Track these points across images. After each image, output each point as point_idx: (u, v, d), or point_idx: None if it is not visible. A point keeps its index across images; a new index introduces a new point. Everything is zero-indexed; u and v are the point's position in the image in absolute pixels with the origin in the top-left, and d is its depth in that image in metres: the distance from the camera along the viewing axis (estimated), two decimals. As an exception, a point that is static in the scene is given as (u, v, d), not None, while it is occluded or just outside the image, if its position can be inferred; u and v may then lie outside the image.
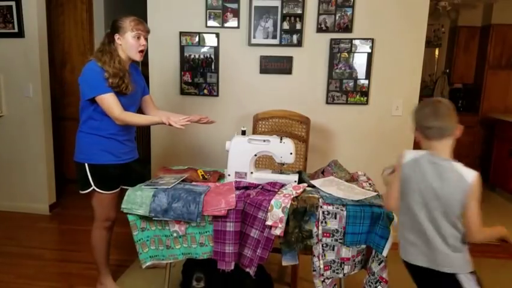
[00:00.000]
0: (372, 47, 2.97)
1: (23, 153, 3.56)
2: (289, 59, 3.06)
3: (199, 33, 3.10)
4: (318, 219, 1.79)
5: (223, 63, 3.14)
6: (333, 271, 1.81)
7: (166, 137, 3.29)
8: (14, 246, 3.01)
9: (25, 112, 3.49)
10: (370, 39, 2.96)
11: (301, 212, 1.80)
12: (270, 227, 1.80)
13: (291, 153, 2.05)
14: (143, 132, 4.45)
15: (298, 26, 2.99)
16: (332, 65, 3.02)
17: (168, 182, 2.02)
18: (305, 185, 2.00)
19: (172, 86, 3.22)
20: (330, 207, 1.79)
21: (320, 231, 1.79)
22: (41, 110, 3.47)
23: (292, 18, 2.99)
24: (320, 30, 2.99)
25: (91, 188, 2.15)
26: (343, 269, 1.81)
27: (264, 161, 2.75)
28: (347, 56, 3.00)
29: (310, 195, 1.88)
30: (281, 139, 2.06)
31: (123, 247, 2.84)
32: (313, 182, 2.04)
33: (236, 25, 3.06)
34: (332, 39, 2.99)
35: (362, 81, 3.02)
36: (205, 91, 3.19)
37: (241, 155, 2.08)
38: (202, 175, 2.16)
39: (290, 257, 1.96)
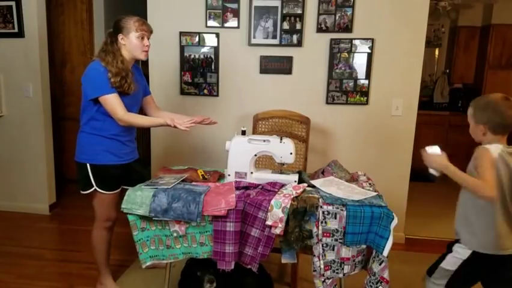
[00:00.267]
0: (372, 47, 2.96)
1: (23, 153, 3.56)
2: (289, 59, 3.06)
3: (199, 33, 3.10)
4: (318, 219, 1.79)
5: (223, 63, 3.14)
6: (333, 271, 1.81)
7: (166, 137, 3.29)
8: (14, 246, 3.01)
9: (25, 112, 3.49)
10: (370, 39, 2.96)
11: (301, 212, 1.80)
12: (270, 226, 1.81)
13: (291, 153, 2.05)
14: (143, 133, 4.45)
15: (298, 26, 2.99)
16: (332, 65, 3.02)
17: (168, 182, 2.02)
18: (305, 185, 2.00)
19: (172, 86, 3.22)
20: (330, 207, 1.79)
21: (320, 231, 1.79)
22: (41, 110, 3.48)
23: (292, 18, 2.99)
24: (319, 30, 2.99)
25: (93, 189, 2.15)
26: (343, 269, 1.81)
27: (264, 161, 2.75)
28: (347, 56, 3.00)
29: (310, 195, 1.88)
30: (281, 139, 2.06)
31: (123, 247, 2.84)
32: (313, 182, 2.04)
33: (236, 25, 3.06)
34: (332, 39, 2.98)
35: (362, 81, 3.02)
36: (205, 91, 3.19)
37: (241, 155, 2.08)
38: (202, 175, 2.16)
39: (289, 255, 1.97)
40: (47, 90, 3.53)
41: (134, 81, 2.14)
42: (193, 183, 2.06)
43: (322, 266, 1.80)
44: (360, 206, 1.79)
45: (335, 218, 1.78)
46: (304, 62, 3.06)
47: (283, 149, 2.05)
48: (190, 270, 2.18)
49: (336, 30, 2.98)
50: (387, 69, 2.99)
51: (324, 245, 1.80)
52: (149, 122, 2.25)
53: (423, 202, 4.00)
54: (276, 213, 1.79)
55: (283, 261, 1.97)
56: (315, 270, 1.82)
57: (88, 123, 2.14)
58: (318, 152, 3.13)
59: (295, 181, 2.06)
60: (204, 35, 3.10)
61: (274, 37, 3.03)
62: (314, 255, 1.82)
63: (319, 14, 2.97)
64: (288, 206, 1.79)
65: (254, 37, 3.05)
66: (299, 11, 2.97)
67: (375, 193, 1.94)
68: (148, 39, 2.15)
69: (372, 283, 1.79)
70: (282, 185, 2.00)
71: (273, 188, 1.97)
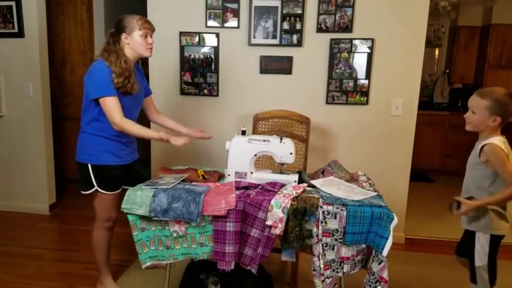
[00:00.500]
0: (372, 47, 2.97)
1: (23, 153, 3.56)
2: (289, 59, 3.06)
3: (199, 33, 3.10)
4: (318, 219, 1.79)
5: (223, 63, 3.14)
6: (333, 270, 1.81)
7: (166, 137, 3.28)
8: (14, 246, 3.01)
9: (25, 112, 3.49)
10: (370, 39, 2.96)
11: (301, 212, 1.80)
12: (270, 226, 1.81)
13: (291, 153, 2.05)
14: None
15: (298, 26, 2.99)
16: (332, 65, 3.02)
17: (168, 182, 2.02)
18: (305, 185, 2.00)
19: (172, 86, 3.22)
20: (330, 207, 1.79)
21: (320, 231, 1.79)
22: (41, 110, 3.48)
23: (292, 18, 2.99)
24: (320, 30, 2.99)
25: (94, 189, 2.15)
26: (343, 268, 1.82)
27: (264, 161, 2.75)
28: (347, 56, 3.00)
29: (310, 195, 1.88)
30: (281, 139, 2.06)
31: (123, 247, 2.84)
32: (313, 182, 2.05)
33: (236, 25, 3.06)
34: (332, 39, 2.99)
35: (362, 81, 3.02)
36: (205, 91, 3.19)
37: (241, 155, 2.08)
38: (202, 175, 2.16)
39: (289, 253, 1.98)
40: (47, 90, 3.53)
41: (136, 81, 2.14)
42: (193, 183, 2.06)
43: (322, 266, 1.80)
44: (360, 206, 1.79)
45: (335, 218, 1.78)
46: (304, 62, 3.06)
47: (283, 149, 2.05)
48: (192, 273, 2.17)
49: (336, 30, 2.98)
50: (387, 69, 2.99)
51: (324, 245, 1.80)
52: (143, 133, 2.14)
53: (423, 202, 4.00)
54: (276, 213, 1.79)
55: (283, 258, 1.98)
56: (314, 270, 1.82)
57: (90, 123, 2.14)
58: (318, 152, 3.13)
59: (295, 181, 2.06)
60: (204, 35, 3.10)
61: (274, 37, 3.03)
62: (314, 255, 1.82)
63: (319, 14, 2.97)
64: (288, 206, 1.79)
65: (254, 37, 3.05)
66: (299, 11, 2.97)
67: (375, 193, 1.94)
68: (151, 37, 2.16)
69: (371, 282, 1.79)
70: (282, 185, 2.01)
71: (273, 188, 1.97)
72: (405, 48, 2.95)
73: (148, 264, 1.96)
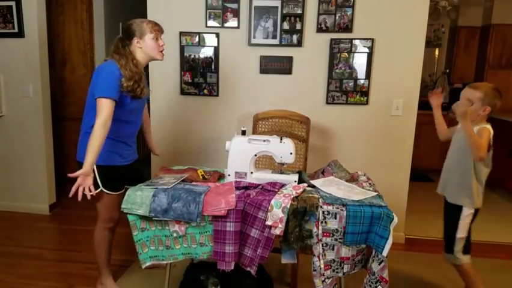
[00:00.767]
0: (372, 47, 2.97)
1: (23, 153, 3.56)
2: (289, 59, 3.06)
3: (199, 33, 3.10)
4: (318, 219, 1.79)
5: (223, 63, 3.14)
6: (333, 270, 1.81)
7: (166, 137, 3.29)
8: (14, 246, 3.01)
9: (25, 112, 3.49)
10: (370, 39, 2.96)
11: (301, 212, 1.80)
12: (270, 227, 1.81)
13: (291, 153, 2.05)
14: (143, 133, 4.45)
15: (298, 26, 2.99)
16: (332, 65, 3.02)
17: (168, 182, 2.02)
18: (305, 185, 2.00)
19: (172, 86, 3.22)
20: (330, 207, 1.79)
21: (320, 231, 1.79)
22: (41, 110, 3.48)
23: (292, 18, 2.99)
24: (319, 30, 3.00)
25: (99, 189, 2.14)
26: (343, 268, 1.82)
27: (264, 161, 2.75)
28: (347, 56, 3.00)
29: (310, 195, 1.88)
30: (281, 139, 2.06)
31: (124, 247, 2.84)
32: (313, 182, 2.04)
33: (236, 25, 3.06)
34: (332, 39, 2.99)
35: (362, 81, 3.02)
36: (205, 91, 3.19)
37: (241, 155, 2.08)
38: (202, 175, 2.16)
39: (289, 255, 1.97)
40: (47, 90, 3.53)
41: (146, 85, 2.14)
42: (193, 183, 2.06)
43: (322, 266, 1.80)
44: (360, 206, 1.79)
45: (335, 218, 1.78)
46: (304, 62, 3.06)
47: (283, 149, 2.05)
48: (192, 274, 2.18)
49: (336, 30, 2.98)
50: (387, 69, 3.00)
51: (324, 245, 1.80)
52: (90, 149, 1.92)
53: (423, 202, 4.00)
54: (276, 213, 1.79)
55: (283, 261, 1.97)
56: (315, 270, 1.82)
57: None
58: (318, 152, 3.13)
59: (295, 181, 2.06)
60: (204, 35, 3.10)
61: (274, 37, 3.03)
62: (314, 255, 1.82)
63: (319, 14, 2.97)
64: (288, 206, 1.79)
65: (254, 37, 3.05)
66: (299, 11, 2.97)
67: (375, 193, 1.94)
68: (161, 39, 2.18)
69: (372, 282, 1.79)
70: (282, 185, 2.00)
71: (273, 188, 1.97)
72: (405, 48, 2.95)
73: (148, 264, 1.96)
